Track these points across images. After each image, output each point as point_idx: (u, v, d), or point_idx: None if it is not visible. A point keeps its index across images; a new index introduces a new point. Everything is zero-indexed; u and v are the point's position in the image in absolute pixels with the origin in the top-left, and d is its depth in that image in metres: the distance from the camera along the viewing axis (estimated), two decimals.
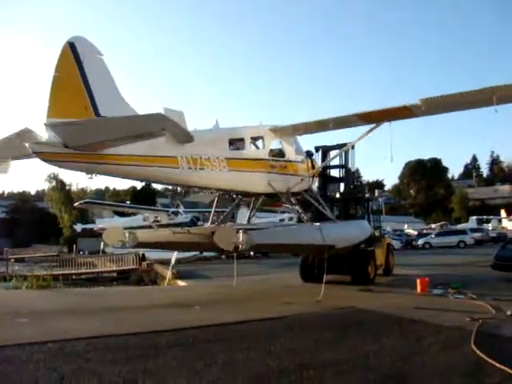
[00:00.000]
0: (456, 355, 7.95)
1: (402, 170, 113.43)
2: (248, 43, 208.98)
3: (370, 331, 10.00)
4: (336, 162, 19.73)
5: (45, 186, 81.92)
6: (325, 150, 19.49)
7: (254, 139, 16.10)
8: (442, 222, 76.79)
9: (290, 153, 16.84)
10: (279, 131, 16.28)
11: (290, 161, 16.74)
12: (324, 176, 19.89)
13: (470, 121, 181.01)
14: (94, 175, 12.31)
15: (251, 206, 19.07)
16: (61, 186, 76.28)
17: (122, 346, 8.55)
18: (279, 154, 16.52)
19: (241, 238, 12.52)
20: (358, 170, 20.50)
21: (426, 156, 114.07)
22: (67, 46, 10.89)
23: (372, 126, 15.38)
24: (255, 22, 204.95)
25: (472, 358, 7.62)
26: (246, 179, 15.00)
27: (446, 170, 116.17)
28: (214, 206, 19.36)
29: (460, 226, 64.71)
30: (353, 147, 18.93)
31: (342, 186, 20.16)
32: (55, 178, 76.01)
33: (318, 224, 15.83)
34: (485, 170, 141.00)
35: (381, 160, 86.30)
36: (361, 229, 18.17)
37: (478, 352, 7.83)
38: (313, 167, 17.94)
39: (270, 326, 10.64)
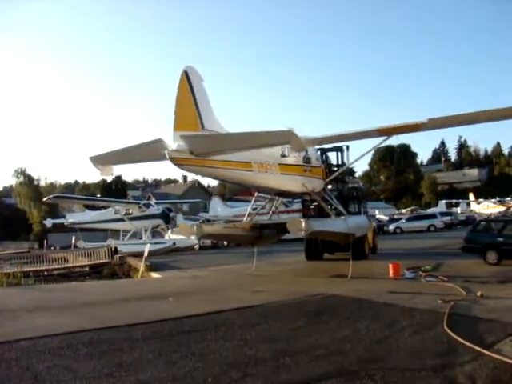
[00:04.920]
0: (429, 337, 8.08)
1: (371, 156, 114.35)
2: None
3: (344, 316, 10.11)
4: (332, 159, 23.09)
5: (12, 181, 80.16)
6: (323, 152, 22.20)
7: None
8: (412, 207, 77.94)
9: (314, 159, 19.53)
10: (310, 141, 18.06)
11: (314, 166, 19.43)
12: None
13: (438, 106, 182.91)
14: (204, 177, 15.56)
15: (273, 203, 22.08)
16: (29, 181, 74.70)
17: (96, 340, 8.45)
18: (307, 160, 18.88)
19: (303, 226, 15.38)
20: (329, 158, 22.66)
21: (395, 142, 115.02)
22: (183, 73, 13.86)
23: (384, 137, 17.88)
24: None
25: (445, 339, 7.79)
26: (291, 181, 17.90)
27: (415, 155, 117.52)
28: (252, 203, 22.73)
29: (430, 211, 65.59)
30: (347, 148, 22.32)
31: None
32: (23, 172, 74.41)
33: (343, 217, 18.81)
34: (453, 155, 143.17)
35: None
36: (366, 222, 22.72)
37: (450, 333, 8.01)
38: (326, 170, 20.91)
39: (244, 315, 10.66)
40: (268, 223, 20.86)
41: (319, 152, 21.38)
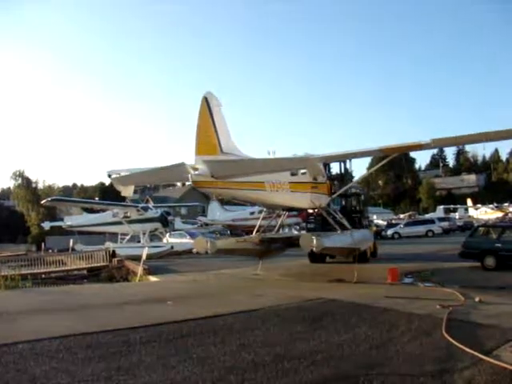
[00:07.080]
0: (428, 342, 8.09)
1: (370, 161, 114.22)
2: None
3: (343, 321, 10.10)
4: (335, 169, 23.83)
5: (10, 183, 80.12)
6: (325, 163, 22.29)
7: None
8: (411, 212, 77.92)
9: (320, 176, 19.86)
10: (317, 159, 18.40)
11: (321, 182, 19.82)
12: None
13: (435, 111, 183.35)
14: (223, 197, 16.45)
15: (281, 218, 22.57)
16: (27, 183, 74.58)
17: (94, 344, 8.44)
18: (314, 177, 19.18)
19: (314, 242, 15.75)
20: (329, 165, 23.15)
21: None
22: (204, 100, 14.68)
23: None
24: None
25: (443, 345, 7.81)
26: (300, 198, 18.45)
27: (413, 160, 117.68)
28: (261, 218, 22.62)
29: (428, 216, 65.61)
30: (350, 160, 23.55)
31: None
32: (21, 175, 74.29)
33: (349, 232, 19.13)
34: (451, 160, 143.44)
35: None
36: (370, 235, 23.72)
37: (449, 338, 8.01)
38: (331, 187, 21.46)
39: (243, 319, 10.65)
40: (277, 237, 21.57)
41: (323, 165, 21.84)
